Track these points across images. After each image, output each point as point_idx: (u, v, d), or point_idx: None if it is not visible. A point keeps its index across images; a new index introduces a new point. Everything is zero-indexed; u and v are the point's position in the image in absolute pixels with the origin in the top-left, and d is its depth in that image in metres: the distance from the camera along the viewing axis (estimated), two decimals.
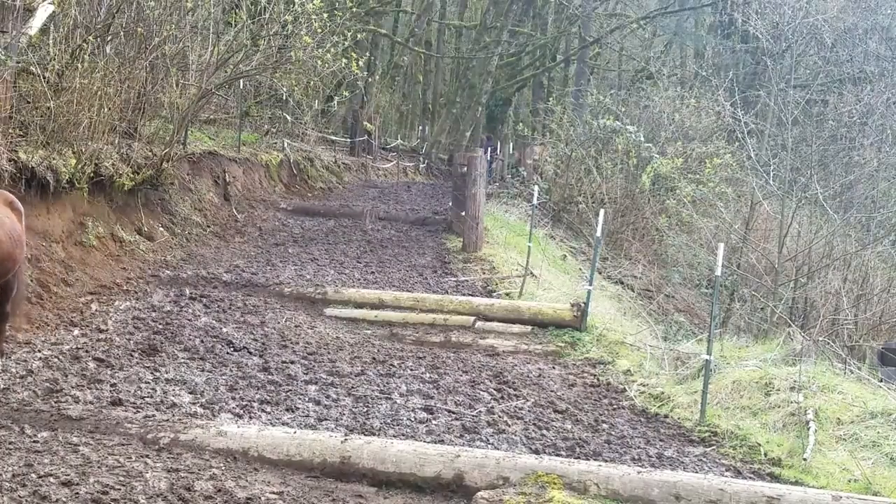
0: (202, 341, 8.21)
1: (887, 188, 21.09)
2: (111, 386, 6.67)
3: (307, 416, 6.57)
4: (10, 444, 5.29)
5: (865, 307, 15.95)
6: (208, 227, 14.06)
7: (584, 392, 8.11)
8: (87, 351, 7.44)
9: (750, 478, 6.15)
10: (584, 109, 24.38)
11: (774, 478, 6.27)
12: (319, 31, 14.29)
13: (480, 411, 7.08)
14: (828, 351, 10.10)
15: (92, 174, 10.53)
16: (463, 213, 14.98)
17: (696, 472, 5.99)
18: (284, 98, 19.95)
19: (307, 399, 6.94)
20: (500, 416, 6.98)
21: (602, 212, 11.16)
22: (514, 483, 5.26)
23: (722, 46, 33.18)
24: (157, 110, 13.61)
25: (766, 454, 6.72)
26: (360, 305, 10.35)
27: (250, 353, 8.10)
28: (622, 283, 17.19)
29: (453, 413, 6.97)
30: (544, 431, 6.79)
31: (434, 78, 40.60)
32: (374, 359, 8.38)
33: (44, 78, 9.82)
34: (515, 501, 5.05)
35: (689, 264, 17.86)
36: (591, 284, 10.72)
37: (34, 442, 5.37)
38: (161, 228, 12.49)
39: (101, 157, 10.80)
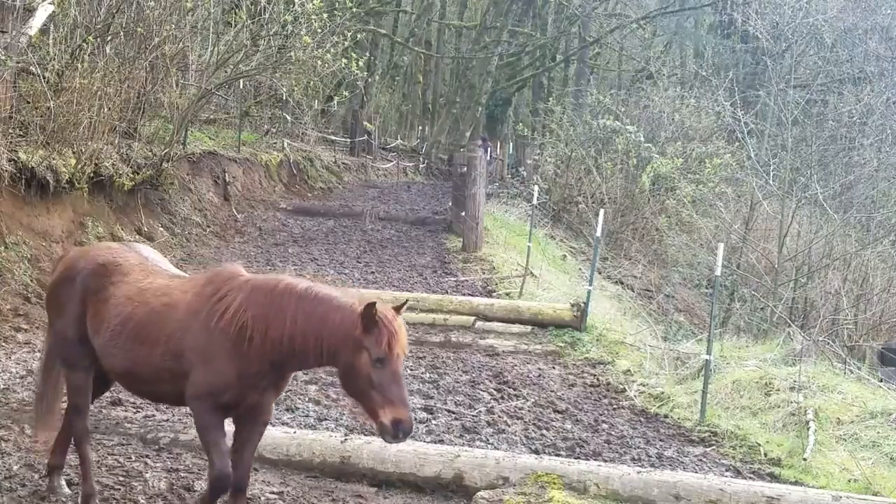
0: None
1: (887, 188, 21.04)
2: None
3: (307, 415, 6.57)
4: (10, 443, 5.29)
5: (865, 307, 15.94)
6: (208, 227, 14.06)
7: (583, 392, 8.11)
8: None
9: (750, 478, 6.14)
10: (584, 109, 24.36)
11: (774, 478, 6.26)
12: (319, 31, 14.30)
13: (480, 411, 7.07)
14: (828, 351, 10.10)
15: (92, 174, 10.54)
16: (463, 213, 14.98)
17: (696, 472, 5.98)
18: (284, 98, 19.95)
19: (307, 399, 6.93)
20: (499, 416, 6.98)
21: (602, 212, 11.17)
22: (513, 483, 5.25)
23: (722, 46, 33.16)
24: (157, 110, 13.62)
25: (766, 454, 6.72)
26: None
27: None
28: (622, 283, 17.18)
29: (453, 413, 6.97)
30: (544, 431, 6.79)
31: (434, 78, 40.58)
32: None
33: (44, 78, 9.82)
34: (515, 501, 5.04)
35: (689, 264, 17.83)
36: (591, 284, 10.73)
37: (34, 442, 5.36)
38: (161, 228, 12.50)
39: (101, 157, 10.80)
